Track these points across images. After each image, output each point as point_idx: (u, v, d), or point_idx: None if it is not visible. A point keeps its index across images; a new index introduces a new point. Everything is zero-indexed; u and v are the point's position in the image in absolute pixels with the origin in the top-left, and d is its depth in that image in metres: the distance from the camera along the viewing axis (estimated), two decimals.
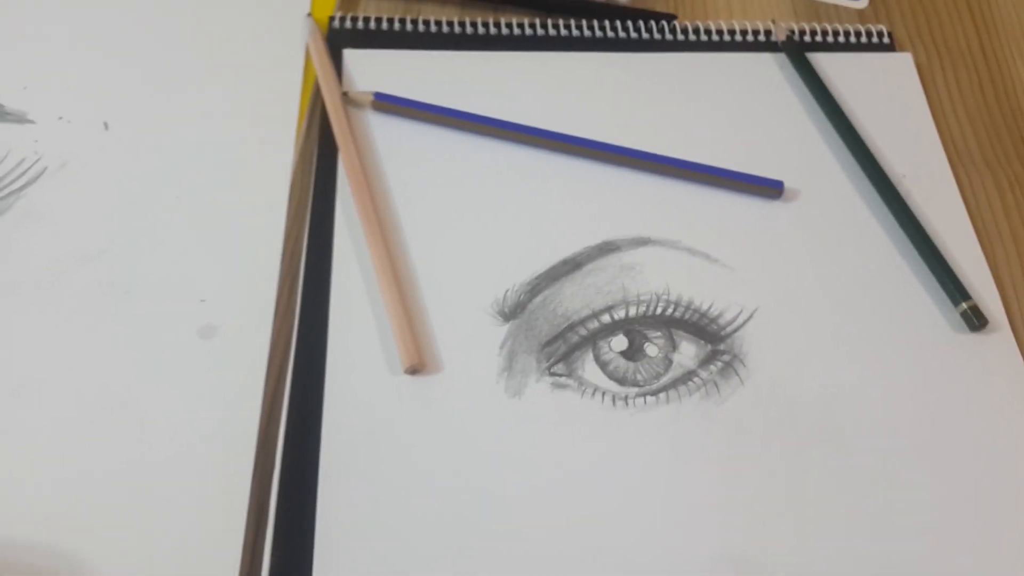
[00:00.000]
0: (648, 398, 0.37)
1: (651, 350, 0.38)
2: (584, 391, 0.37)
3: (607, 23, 0.49)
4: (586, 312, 0.39)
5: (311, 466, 0.35)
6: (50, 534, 0.33)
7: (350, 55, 0.47)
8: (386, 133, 0.45)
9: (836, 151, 0.45)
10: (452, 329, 0.38)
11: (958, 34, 0.51)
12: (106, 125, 0.44)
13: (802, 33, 0.49)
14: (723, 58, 0.48)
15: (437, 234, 0.41)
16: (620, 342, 0.38)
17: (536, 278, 0.40)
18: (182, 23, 0.48)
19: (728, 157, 0.44)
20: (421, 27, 0.49)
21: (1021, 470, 0.36)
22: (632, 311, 0.39)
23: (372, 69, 0.47)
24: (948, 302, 0.40)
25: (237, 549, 0.33)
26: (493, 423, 0.36)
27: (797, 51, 0.48)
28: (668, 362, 0.38)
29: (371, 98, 0.45)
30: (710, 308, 0.39)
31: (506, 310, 0.39)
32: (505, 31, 0.49)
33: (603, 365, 0.38)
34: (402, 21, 0.49)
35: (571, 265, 0.40)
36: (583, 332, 0.38)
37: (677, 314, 0.39)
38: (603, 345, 0.38)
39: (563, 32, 0.49)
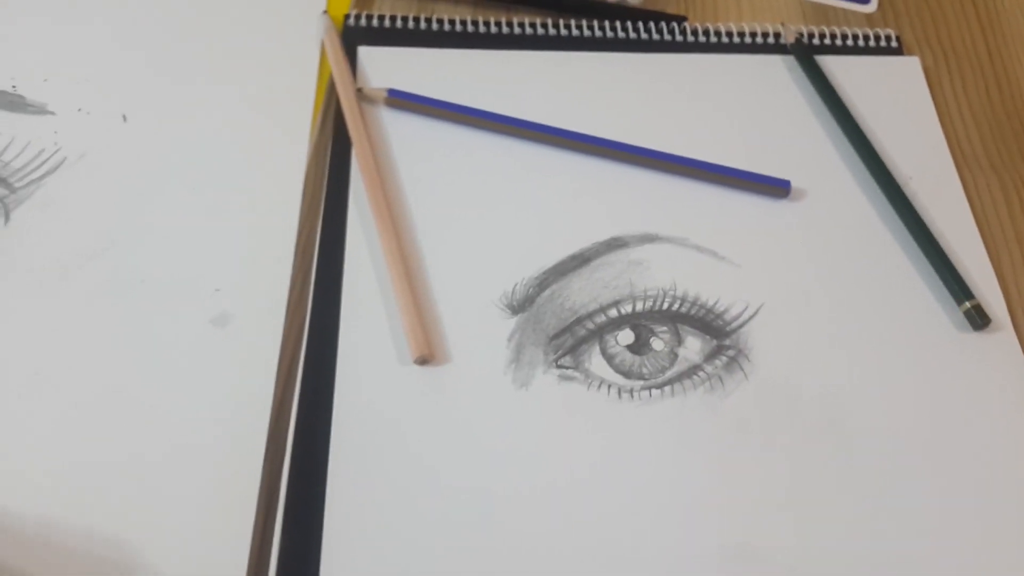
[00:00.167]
0: (653, 391, 0.37)
1: (657, 344, 0.39)
2: (590, 383, 0.38)
3: (618, 24, 0.50)
4: (594, 306, 0.39)
5: (321, 454, 0.35)
6: (63, 519, 0.33)
7: (365, 52, 0.48)
8: (399, 129, 0.45)
9: (843, 152, 0.45)
10: (461, 321, 0.39)
11: (965, 38, 0.51)
12: (124, 117, 0.44)
13: (811, 36, 0.50)
14: (732, 60, 0.49)
15: (447, 228, 0.42)
16: (627, 336, 0.39)
17: (544, 272, 0.40)
18: (201, 19, 0.49)
19: (736, 157, 0.44)
20: (435, 26, 0.49)
21: (1021, 468, 0.36)
22: (639, 306, 0.39)
23: (386, 66, 0.47)
24: (952, 301, 0.40)
25: (247, 536, 0.33)
26: (500, 414, 0.37)
27: (806, 54, 0.48)
28: (674, 356, 0.38)
29: (385, 94, 0.45)
30: (716, 304, 0.40)
31: (515, 303, 0.40)
32: (517, 30, 0.49)
33: (609, 358, 0.38)
34: (416, 20, 0.49)
35: (579, 260, 0.41)
36: (590, 326, 0.39)
37: (683, 309, 0.39)
38: (610, 339, 0.39)
39: (575, 32, 0.50)
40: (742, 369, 0.38)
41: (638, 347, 0.38)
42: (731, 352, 0.39)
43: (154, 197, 0.42)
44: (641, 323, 0.39)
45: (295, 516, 0.34)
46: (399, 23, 0.49)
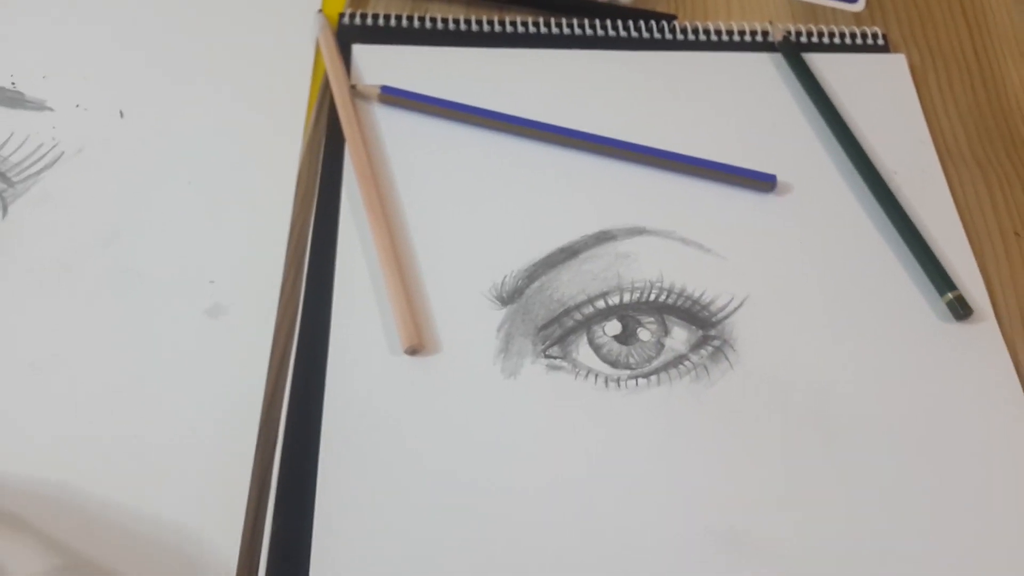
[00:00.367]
0: (640, 380, 0.38)
1: (644, 335, 0.39)
2: (578, 373, 0.38)
3: (609, 22, 0.51)
4: (582, 297, 0.40)
5: (312, 440, 0.36)
6: (63, 501, 0.34)
7: (359, 50, 0.49)
8: (392, 125, 0.46)
9: (829, 148, 0.46)
10: (451, 312, 0.40)
11: (952, 36, 0.52)
12: (121, 113, 0.45)
13: (798, 34, 0.51)
14: (721, 57, 0.50)
15: (439, 222, 0.43)
16: (614, 327, 0.39)
17: (534, 265, 0.41)
18: (198, 18, 0.49)
19: (724, 153, 0.45)
20: (428, 24, 0.50)
21: (1003, 454, 0.37)
22: (626, 297, 0.40)
23: (380, 64, 0.48)
24: (934, 292, 0.41)
25: (240, 518, 0.34)
26: (489, 402, 0.37)
27: (793, 51, 0.49)
28: (660, 346, 0.39)
29: (378, 91, 0.46)
30: (702, 295, 0.40)
31: (504, 295, 0.40)
32: (510, 29, 0.50)
33: (597, 348, 0.39)
34: (410, 18, 0.50)
35: (568, 253, 0.41)
36: (578, 316, 0.39)
37: (670, 301, 0.40)
38: (597, 329, 0.39)
39: (566, 31, 0.50)
40: (727, 359, 0.39)
41: (625, 337, 0.39)
42: (716, 342, 0.39)
43: (150, 191, 0.43)
44: (628, 314, 0.40)
45: (287, 502, 0.35)
46: (393, 22, 0.50)
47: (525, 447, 0.36)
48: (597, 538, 0.34)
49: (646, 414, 0.37)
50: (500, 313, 0.40)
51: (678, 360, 0.39)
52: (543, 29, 0.50)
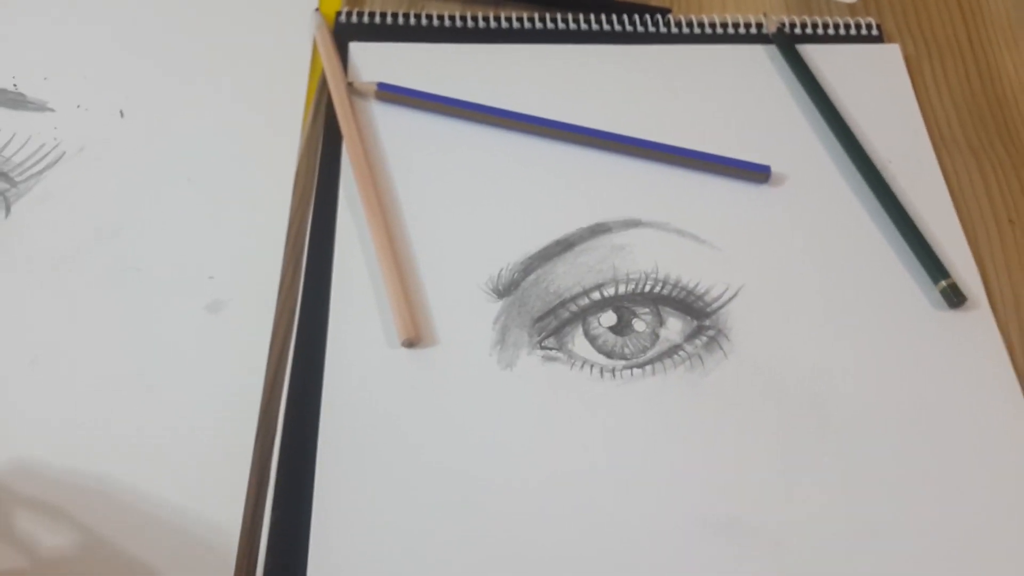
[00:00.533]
0: (635, 370, 0.38)
1: (639, 325, 0.39)
2: (573, 363, 0.38)
3: (604, 17, 0.51)
4: (577, 289, 0.40)
5: (311, 432, 0.36)
6: (66, 493, 0.35)
7: (356, 48, 0.49)
8: (388, 121, 0.46)
9: (823, 138, 0.46)
10: (448, 305, 0.40)
11: (946, 25, 0.52)
12: (121, 113, 0.46)
13: (792, 26, 0.51)
14: (716, 50, 0.50)
15: (435, 216, 0.43)
16: (609, 318, 0.40)
17: (529, 258, 0.41)
18: (197, 18, 0.50)
19: (720, 144, 0.45)
20: (424, 21, 0.51)
21: (997, 440, 0.37)
22: (621, 288, 0.40)
23: (376, 61, 0.49)
24: (929, 280, 0.41)
25: (239, 509, 0.35)
26: (485, 393, 0.38)
27: (787, 43, 0.49)
28: (655, 337, 0.39)
29: (374, 88, 0.46)
30: (697, 286, 0.41)
31: (500, 287, 0.41)
32: (505, 25, 0.51)
33: (592, 339, 0.39)
34: (406, 16, 0.51)
35: (563, 245, 0.42)
36: (574, 308, 0.40)
37: (665, 291, 0.40)
38: (593, 320, 0.40)
39: (561, 26, 0.51)
40: (722, 348, 0.39)
41: (620, 328, 0.39)
42: (711, 332, 0.40)
43: (150, 189, 0.43)
44: (623, 305, 0.40)
45: (285, 493, 0.35)
46: (389, 19, 0.51)
47: (521, 437, 0.37)
48: (593, 526, 0.35)
49: (641, 403, 0.38)
50: (496, 305, 0.40)
51: (673, 350, 0.39)
52: (538, 24, 0.51)
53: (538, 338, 0.39)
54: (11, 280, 0.40)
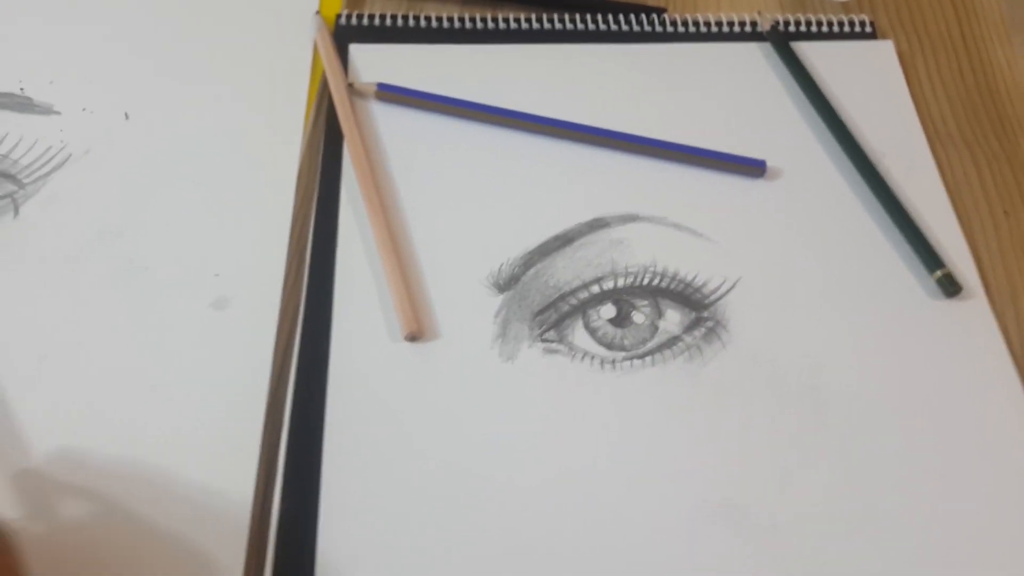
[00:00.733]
0: (635, 361, 0.39)
1: (638, 318, 0.40)
2: (574, 355, 0.39)
3: (600, 17, 0.52)
4: (577, 283, 0.41)
5: (317, 426, 0.37)
6: (72, 490, 0.35)
7: (356, 50, 0.50)
8: (389, 121, 0.47)
9: (818, 133, 0.47)
10: (450, 300, 0.41)
11: (939, 21, 0.53)
12: (127, 115, 0.46)
13: (787, 23, 0.51)
14: (711, 48, 0.51)
15: (436, 213, 0.44)
16: (608, 310, 0.40)
17: (529, 253, 0.42)
18: (199, 21, 0.51)
19: (716, 141, 0.46)
20: (423, 23, 0.51)
21: (994, 428, 0.38)
22: (620, 282, 0.41)
23: (376, 63, 0.49)
24: (924, 270, 0.41)
25: (248, 502, 0.35)
26: (487, 386, 0.38)
27: (782, 40, 0.50)
28: (654, 328, 0.40)
29: (375, 88, 0.47)
30: (695, 278, 0.41)
31: (500, 282, 0.41)
32: (503, 25, 0.51)
33: (592, 331, 0.40)
34: (405, 17, 0.51)
35: (562, 240, 0.42)
36: (573, 301, 0.40)
37: (663, 284, 0.41)
38: (592, 313, 0.40)
39: (558, 26, 0.51)
40: (720, 339, 0.40)
41: (620, 320, 0.40)
42: (709, 323, 0.40)
43: (156, 190, 0.44)
44: (623, 298, 0.41)
45: (293, 485, 0.36)
46: (389, 21, 0.51)
47: (523, 427, 0.37)
48: (594, 516, 0.35)
49: (641, 393, 0.38)
50: (497, 300, 0.41)
51: (672, 341, 0.39)
52: (536, 25, 0.51)
53: (539, 331, 0.40)
54: (20, 279, 0.41)
